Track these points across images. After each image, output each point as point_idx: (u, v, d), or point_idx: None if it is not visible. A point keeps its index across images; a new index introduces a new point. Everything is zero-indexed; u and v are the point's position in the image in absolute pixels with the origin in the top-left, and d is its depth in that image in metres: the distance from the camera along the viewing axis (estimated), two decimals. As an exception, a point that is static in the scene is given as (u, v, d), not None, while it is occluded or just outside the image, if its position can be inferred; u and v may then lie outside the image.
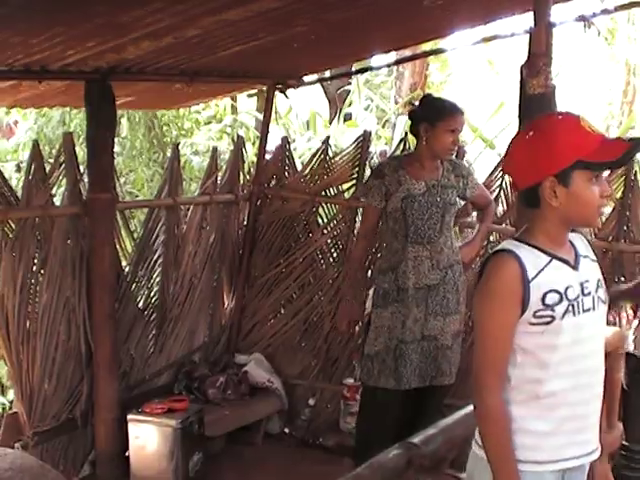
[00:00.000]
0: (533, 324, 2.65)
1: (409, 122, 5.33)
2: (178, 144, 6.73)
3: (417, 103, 5.43)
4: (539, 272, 2.66)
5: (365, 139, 6.59)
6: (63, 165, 5.55)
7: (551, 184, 2.62)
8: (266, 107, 7.00)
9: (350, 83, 13.39)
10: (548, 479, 2.76)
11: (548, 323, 2.64)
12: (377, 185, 5.20)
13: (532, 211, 2.76)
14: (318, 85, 11.66)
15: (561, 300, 2.65)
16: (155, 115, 10.68)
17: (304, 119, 12.64)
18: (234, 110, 12.41)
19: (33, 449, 5.33)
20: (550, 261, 2.70)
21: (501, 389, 2.70)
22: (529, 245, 2.71)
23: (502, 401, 2.69)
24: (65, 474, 5.55)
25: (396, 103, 12.65)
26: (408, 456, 3.07)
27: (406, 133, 6.16)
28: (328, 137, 6.98)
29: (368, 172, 6.34)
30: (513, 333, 2.67)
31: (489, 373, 2.68)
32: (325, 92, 13.45)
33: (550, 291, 2.65)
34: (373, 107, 13.58)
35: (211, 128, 12.01)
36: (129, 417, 5.47)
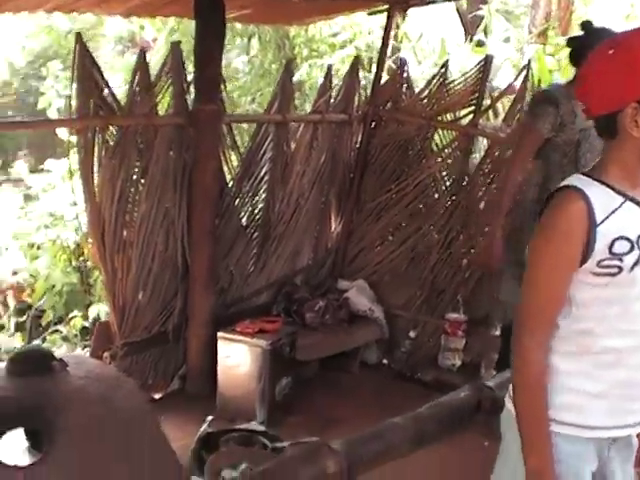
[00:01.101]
0: (596, 274, 2.32)
1: (570, 52, 4.82)
2: (291, 59, 6.53)
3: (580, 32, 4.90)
4: (609, 215, 2.30)
5: (487, 64, 6.22)
6: (169, 74, 5.44)
7: (634, 111, 2.25)
8: (386, 27, 6.70)
9: (481, 8, 12.84)
10: (587, 448, 2.46)
11: (614, 275, 2.31)
12: (552, 113, 4.70)
13: (607, 142, 2.41)
14: (454, 11, 11.20)
15: (632, 249, 2.31)
16: (287, 35, 10.50)
17: (435, 45, 12.23)
18: (370, 34, 12.09)
19: (122, 360, 5.34)
20: (623, 202, 2.33)
21: (546, 341, 2.39)
22: (600, 182, 2.35)
23: (544, 353, 2.38)
24: (154, 387, 5.58)
25: (530, 33, 12.08)
26: (479, 398, 2.86)
27: (529, 61, 5.81)
28: (447, 60, 6.64)
29: (487, 100, 6.04)
30: (569, 281, 2.35)
31: (535, 320, 2.37)
32: (460, 18, 12.96)
33: (620, 238, 2.30)
34: (507, 36, 13.01)
35: (345, 52, 11.75)
36: (219, 335, 5.40)
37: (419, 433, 2.63)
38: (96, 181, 5.16)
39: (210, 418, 4.74)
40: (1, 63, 11.88)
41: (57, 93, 9.99)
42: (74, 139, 7.93)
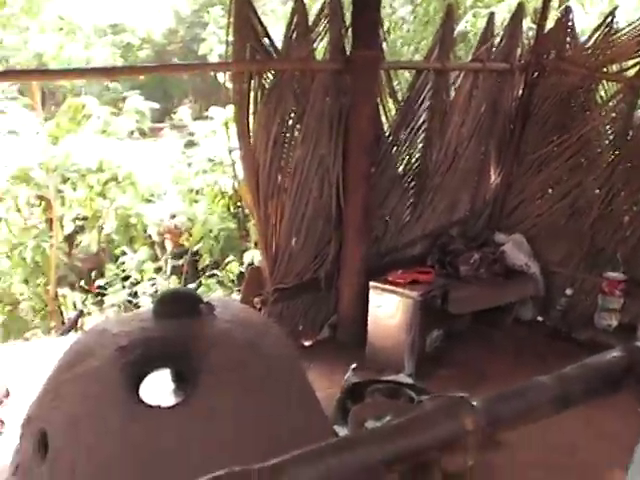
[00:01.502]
0: None
1: None
2: (452, 5, 6.31)
3: None
4: None
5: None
6: (327, 19, 5.35)
7: None
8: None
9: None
10: None
11: None
12: None
13: None
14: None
15: None
16: (450, -17, 10.25)
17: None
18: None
19: (273, 305, 5.36)
20: None
21: None
22: None
23: None
24: (303, 335, 5.58)
25: None
26: (630, 362, 2.69)
27: None
28: (614, 9, 6.27)
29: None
30: None
31: None
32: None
33: None
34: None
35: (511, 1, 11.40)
36: (371, 284, 5.33)
37: (564, 394, 2.49)
38: (251, 126, 5.14)
39: (354, 366, 4.70)
40: (167, 11, 12.05)
41: (218, 39, 10.10)
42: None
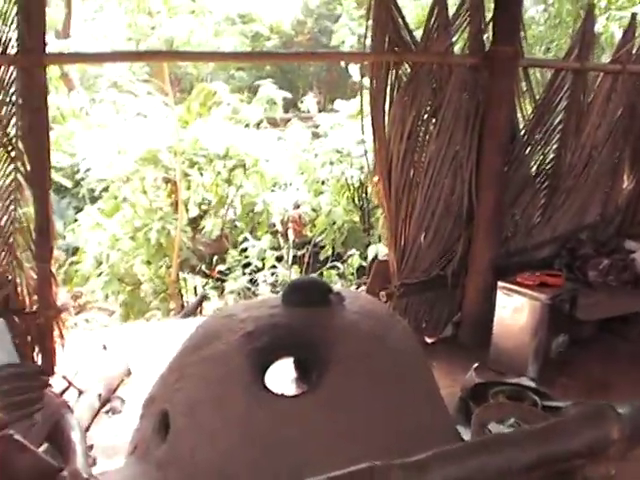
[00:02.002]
0: None
1: None
2: (593, 5, 6.14)
3: None
4: None
5: None
6: (467, 13, 5.27)
7: None
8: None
9: None
10: None
11: None
12: None
13: None
14: None
15: None
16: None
17: None
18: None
19: (398, 300, 5.32)
20: None
21: None
22: None
23: None
24: (427, 331, 5.52)
25: None
26: None
27: None
28: None
29: None
30: None
31: None
32: None
33: None
34: None
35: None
36: (500, 284, 5.21)
37: None
38: (386, 118, 5.10)
39: (475, 365, 4.63)
40: (296, 2, 12.12)
41: (350, 31, 10.10)
42: (365, 80, 8.02)
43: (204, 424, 3.52)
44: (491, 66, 5.29)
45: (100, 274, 8.39)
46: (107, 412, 4.58)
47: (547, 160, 5.96)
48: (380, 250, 8.06)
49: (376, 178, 5.26)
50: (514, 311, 5.14)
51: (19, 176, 4.58)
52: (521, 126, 5.75)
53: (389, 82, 5.06)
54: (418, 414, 3.60)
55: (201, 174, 8.68)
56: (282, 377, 4.10)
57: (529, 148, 5.82)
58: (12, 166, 4.56)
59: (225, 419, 3.49)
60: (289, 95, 9.93)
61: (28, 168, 4.56)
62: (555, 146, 5.95)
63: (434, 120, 5.29)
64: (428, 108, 5.26)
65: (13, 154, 4.54)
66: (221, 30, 12.21)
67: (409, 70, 5.11)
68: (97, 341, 5.42)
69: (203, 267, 8.77)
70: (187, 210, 8.67)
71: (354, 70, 9.47)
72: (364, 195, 8.84)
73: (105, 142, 8.54)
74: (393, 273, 5.36)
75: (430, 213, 5.39)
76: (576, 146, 5.98)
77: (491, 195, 5.44)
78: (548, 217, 6.01)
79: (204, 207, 8.95)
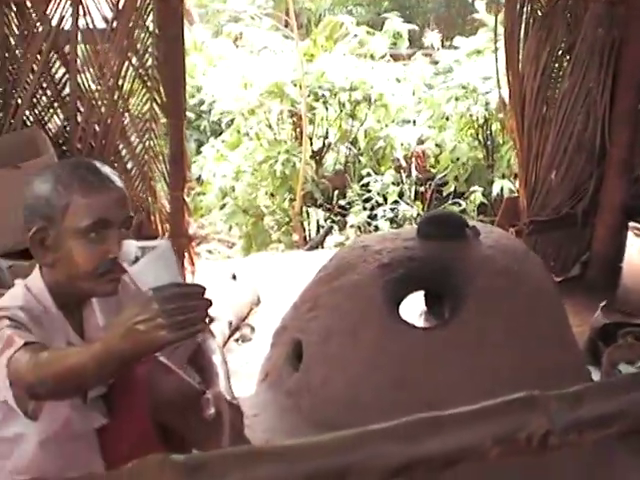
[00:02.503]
0: None
1: None
2: None
3: None
4: None
5: None
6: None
7: None
8: None
9: None
10: None
11: None
12: None
13: None
14: None
15: None
16: None
17: None
18: None
19: (527, 237, 5.30)
20: None
21: None
22: None
23: None
24: (554, 270, 5.47)
25: None
26: None
27: None
28: None
29: None
30: None
31: None
32: None
33: None
34: None
35: None
36: (631, 225, 5.13)
37: None
38: (520, 54, 5.04)
39: (603, 304, 4.58)
40: None
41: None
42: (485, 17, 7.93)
43: (337, 353, 3.59)
44: (629, 1, 5.15)
45: (223, 206, 8.54)
46: (237, 340, 4.70)
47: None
48: (505, 187, 7.98)
49: (508, 113, 5.22)
50: (646, 252, 5.06)
51: (154, 105, 4.69)
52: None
53: (524, 17, 4.99)
54: (551, 353, 3.59)
55: (326, 108, 8.69)
56: (411, 310, 4.12)
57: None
58: (147, 95, 4.68)
59: (358, 348, 3.55)
60: (416, 28, 9.81)
61: (163, 98, 4.67)
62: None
63: (568, 56, 5.21)
64: (563, 44, 5.18)
65: (149, 84, 4.65)
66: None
67: (544, 5, 5.03)
68: (225, 270, 5.53)
69: (324, 200, 8.82)
70: (311, 143, 8.71)
71: (480, 5, 9.31)
72: (488, 132, 8.73)
73: (229, 75, 8.62)
74: (523, 210, 5.35)
75: (562, 150, 5.33)
76: None
77: (624, 133, 5.34)
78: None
79: (327, 141, 8.97)
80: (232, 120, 8.76)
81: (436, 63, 9.56)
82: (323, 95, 8.53)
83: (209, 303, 1.88)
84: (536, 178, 5.31)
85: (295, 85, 8.36)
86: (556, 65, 5.19)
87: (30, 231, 2.30)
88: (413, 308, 4.19)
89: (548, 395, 1.72)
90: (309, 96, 8.37)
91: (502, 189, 7.96)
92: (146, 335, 1.84)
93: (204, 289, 1.90)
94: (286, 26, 9.40)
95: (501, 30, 5.49)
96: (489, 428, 1.66)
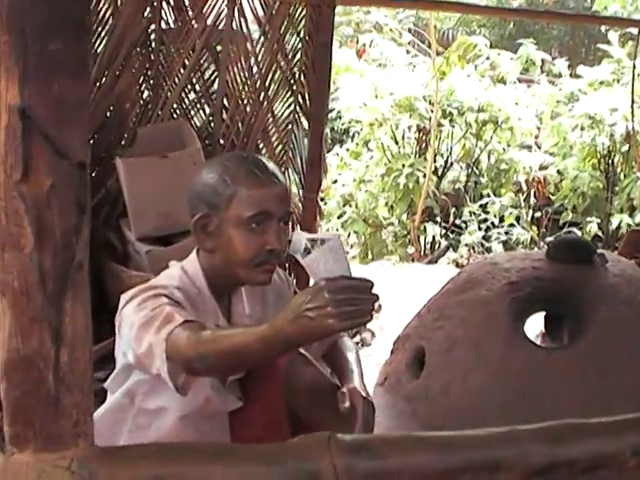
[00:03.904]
0: None
1: None
2: None
3: None
4: None
5: None
6: None
7: None
8: None
9: None
10: None
11: None
12: None
13: None
14: None
15: None
16: None
17: None
18: None
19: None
20: None
21: None
22: None
23: None
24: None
25: None
26: None
27: None
28: None
29: None
30: None
31: None
32: None
33: None
34: None
35: None
36: None
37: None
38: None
39: None
40: None
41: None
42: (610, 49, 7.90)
43: (460, 363, 3.69)
44: None
45: (342, 214, 8.70)
46: (357, 343, 4.80)
47: None
48: (623, 220, 7.95)
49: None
50: None
51: (297, 109, 4.86)
52: None
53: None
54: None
55: (452, 125, 8.79)
56: (529, 330, 4.19)
57: None
58: (292, 99, 4.85)
59: (481, 360, 3.65)
60: (548, 57, 9.83)
61: (307, 102, 4.84)
62: None
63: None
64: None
65: (294, 87, 4.82)
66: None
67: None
68: (347, 276, 5.61)
69: (440, 217, 8.89)
70: (435, 159, 8.81)
71: (613, 37, 9.28)
72: (610, 163, 8.72)
73: (359, 86, 8.78)
74: (646, 242, 5.35)
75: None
76: None
77: None
78: None
79: (451, 159, 9.06)
80: (360, 130, 8.92)
81: (560, 90, 9.56)
82: (451, 113, 8.62)
83: (376, 297, 1.98)
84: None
85: (426, 100, 8.46)
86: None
87: (194, 217, 2.41)
88: (532, 329, 4.25)
89: None
90: (438, 112, 8.48)
91: (620, 222, 7.93)
92: (314, 322, 1.91)
93: (372, 284, 1.99)
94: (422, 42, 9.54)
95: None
96: (629, 439, 1.74)
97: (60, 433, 1.50)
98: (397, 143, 8.86)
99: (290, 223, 4.89)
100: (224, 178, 2.39)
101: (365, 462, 1.59)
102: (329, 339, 2.68)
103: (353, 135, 9.37)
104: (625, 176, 8.51)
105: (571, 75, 9.70)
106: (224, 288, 2.55)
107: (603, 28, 10.38)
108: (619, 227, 7.91)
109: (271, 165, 2.48)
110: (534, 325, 4.26)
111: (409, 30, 9.94)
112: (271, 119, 4.89)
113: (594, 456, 1.73)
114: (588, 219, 8.50)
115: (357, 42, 10.43)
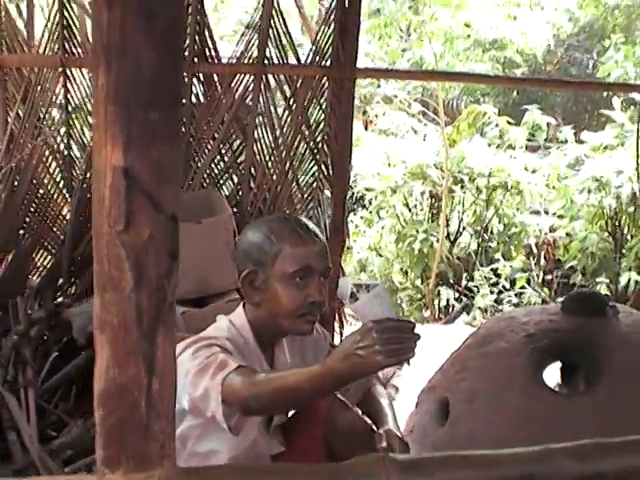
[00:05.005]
0: None
1: None
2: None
3: None
4: None
5: None
6: None
7: None
8: None
9: None
10: None
11: None
12: None
13: None
14: None
15: None
16: None
17: None
18: None
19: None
20: None
21: None
22: None
23: None
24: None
25: None
26: None
27: None
28: None
29: None
30: None
31: None
32: None
33: None
34: None
35: None
36: None
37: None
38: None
39: None
40: (548, 31, 12.20)
41: (616, 64, 10.17)
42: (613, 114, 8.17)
43: (483, 411, 3.86)
44: None
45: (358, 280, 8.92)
46: (382, 398, 4.98)
47: None
48: (632, 278, 8.16)
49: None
50: None
51: (321, 177, 5.13)
52: None
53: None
54: None
55: (463, 192, 9.06)
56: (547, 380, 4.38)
57: None
58: (315, 167, 5.11)
59: (503, 408, 3.82)
60: (554, 121, 10.12)
61: (330, 170, 5.10)
62: None
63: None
64: None
65: (318, 157, 5.09)
66: (470, 54, 12.46)
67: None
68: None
69: (453, 280, 9.11)
70: (448, 224, 9.06)
71: (616, 103, 9.58)
72: (617, 224, 8.96)
73: (372, 154, 9.08)
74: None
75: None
76: None
77: None
78: None
79: (462, 224, 9.32)
80: (375, 197, 9.20)
81: (565, 155, 9.82)
82: (462, 179, 8.90)
83: (418, 337, 2.20)
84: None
85: (438, 168, 8.75)
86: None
87: (242, 273, 2.63)
88: (549, 380, 4.44)
89: None
90: (449, 179, 8.75)
91: (629, 281, 8.14)
92: (363, 359, 2.13)
93: (414, 324, 2.22)
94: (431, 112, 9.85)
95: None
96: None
97: (149, 455, 1.67)
98: (410, 210, 9.13)
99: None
100: (269, 237, 2.61)
101: (416, 478, 1.80)
102: (363, 387, 2.90)
103: (365, 204, 9.64)
104: (632, 236, 8.73)
105: (576, 141, 9.98)
106: (268, 339, 2.76)
107: (605, 94, 10.73)
108: (627, 285, 8.11)
109: (311, 224, 2.73)
110: (551, 376, 4.47)
111: (416, 100, 10.25)
112: (296, 187, 5.14)
113: (620, 469, 1.95)
114: (597, 280, 8.70)
115: (364, 114, 10.75)
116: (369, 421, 2.85)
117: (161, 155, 1.55)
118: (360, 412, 2.92)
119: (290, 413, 2.83)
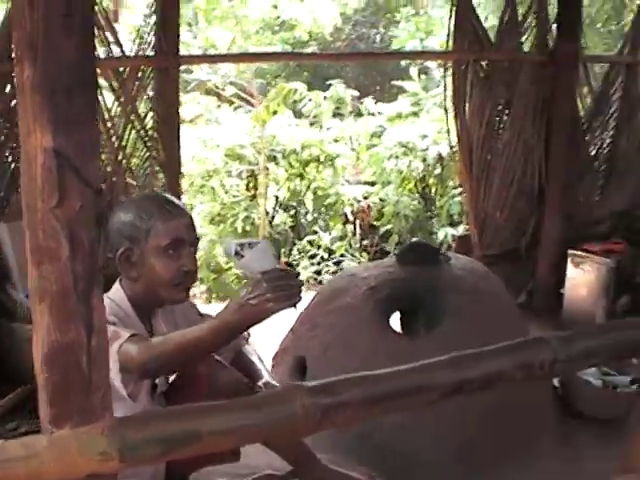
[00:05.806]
0: None
1: None
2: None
3: None
4: None
5: None
6: (535, 15, 5.93)
7: None
8: None
9: None
10: None
11: None
12: None
13: None
14: None
15: None
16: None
17: None
18: None
19: (479, 268, 5.97)
20: None
21: None
22: None
23: None
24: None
25: None
26: None
27: None
28: None
29: None
30: None
31: None
32: None
33: None
34: None
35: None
36: (569, 252, 5.84)
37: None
38: (466, 109, 5.79)
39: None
40: (333, 9, 12.62)
41: (410, 35, 10.69)
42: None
43: (336, 362, 4.13)
44: (556, 62, 5.93)
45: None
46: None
47: (604, 145, 6.59)
48: (448, 233, 8.67)
49: (458, 160, 5.93)
50: (583, 276, 5.78)
51: (153, 162, 5.28)
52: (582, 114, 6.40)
53: (469, 76, 5.76)
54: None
55: (278, 168, 9.34)
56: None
57: (589, 135, 6.47)
58: (147, 154, 5.26)
59: (354, 354, 4.07)
60: (357, 93, 10.50)
61: (162, 156, 5.26)
62: (611, 132, 6.58)
63: (507, 111, 6.00)
64: (502, 100, 5.95)
65: (149, 144, 5.24)
66: (261, 37, 12.70)
67: (485, 67, 5.81)
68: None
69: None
70: (266, 201, 9.30)
71: (413, 71, 10.10)
72: (426, 185, 9.46)
73: (191, 137, 9.21)
74: (474, 246, 6.04)
75: (505, 193, 6.07)
76: (628, 133, 6.60)
77: (558, 177, 6.08)
78: (606, 196, 6.63)
79: (279, 199, 9.59)
80: (191, 183, 9.34)
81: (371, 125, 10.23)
82: (274, 157, 9.19)
83: (302, 282, 2.47)
84: (484, 218, 6.06)
85: (253, 148, 9.01)
86: (497, 118, 5.95)
87: (118, 251, 2.82)
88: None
89: (551, 335, 2.39)
90: (264, 157, 9.02)
91: (446, 235, 8.66)
92: (256, 307, 2.37)
93: (299, 273, 2.49)
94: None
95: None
96: (515, 358, 2.32)
97: (92, 408, 1.84)
98: (227, 192, 9.32)
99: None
100: (140, 215, 2.81)
101: (325, 398, 2.07)
102: (233, 349, 3.13)
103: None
104: (441, 196, 9.27)
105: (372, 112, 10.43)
106: (146, 312, 2.96)
107: (397, 65, 11.27)
108: (445, 239, 8.61)
109: (176, 200, 2.95)
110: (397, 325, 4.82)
111: (231, 84, 10.40)
112: (130, 176, 5.25)
113: (492, 373, 2.30)
114: (414, 239, 9.16)
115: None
116: (246, 378, 3.03)
117: (84, 135, 1.72)
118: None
119: (171, 379, 2.98)
